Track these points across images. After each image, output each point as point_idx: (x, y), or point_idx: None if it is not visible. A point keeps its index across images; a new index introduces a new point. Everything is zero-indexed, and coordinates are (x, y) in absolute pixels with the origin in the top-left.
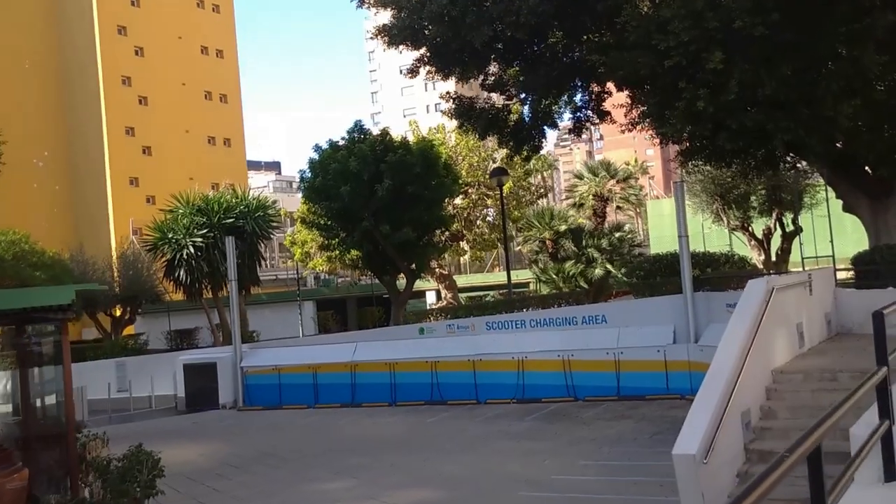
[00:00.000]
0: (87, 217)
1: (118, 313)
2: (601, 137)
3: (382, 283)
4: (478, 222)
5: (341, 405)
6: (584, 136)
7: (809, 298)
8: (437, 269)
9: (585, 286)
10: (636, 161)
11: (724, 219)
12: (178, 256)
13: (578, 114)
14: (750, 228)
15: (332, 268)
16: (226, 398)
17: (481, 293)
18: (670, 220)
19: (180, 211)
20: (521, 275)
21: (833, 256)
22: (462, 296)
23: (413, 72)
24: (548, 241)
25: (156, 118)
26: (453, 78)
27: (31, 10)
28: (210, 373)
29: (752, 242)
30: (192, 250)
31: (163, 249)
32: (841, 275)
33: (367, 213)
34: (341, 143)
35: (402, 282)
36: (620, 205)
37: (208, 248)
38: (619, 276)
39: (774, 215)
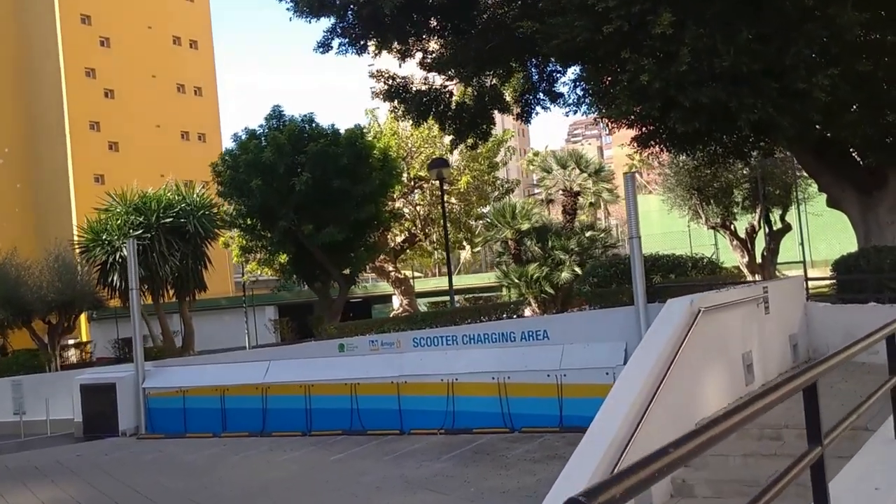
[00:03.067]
0: (50, 217)
1: (55, 321)
2: (610, 133)
3: (313, 290)
4: (439, 220)
5: (249, 434)
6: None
7: (765, 318)
8: (392, 273)
9: (552, 292)
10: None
11: (703, 215)
12: (110, 260)
13: (527, 95)
14: (732, 226)
15: (263, 272)
16: (126, 423)
17: (444, 298)
18: (659, 218)
19: (118, 210)
20: (492, 279)
21: (804, 262)
22: (425, 300)
23: (325, 46)
24: (510, 242)
25: (123, 112)
26: (369, 53)
27: None
28: (109, 395)
29: (735, 242)
30: (125, 252)
31: (95, 252)
32: (820, 284)
33: (285, 211)
34: (259, 131)
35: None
36: (592, 200)
37: (146, 251)
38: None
39: (759, 211)
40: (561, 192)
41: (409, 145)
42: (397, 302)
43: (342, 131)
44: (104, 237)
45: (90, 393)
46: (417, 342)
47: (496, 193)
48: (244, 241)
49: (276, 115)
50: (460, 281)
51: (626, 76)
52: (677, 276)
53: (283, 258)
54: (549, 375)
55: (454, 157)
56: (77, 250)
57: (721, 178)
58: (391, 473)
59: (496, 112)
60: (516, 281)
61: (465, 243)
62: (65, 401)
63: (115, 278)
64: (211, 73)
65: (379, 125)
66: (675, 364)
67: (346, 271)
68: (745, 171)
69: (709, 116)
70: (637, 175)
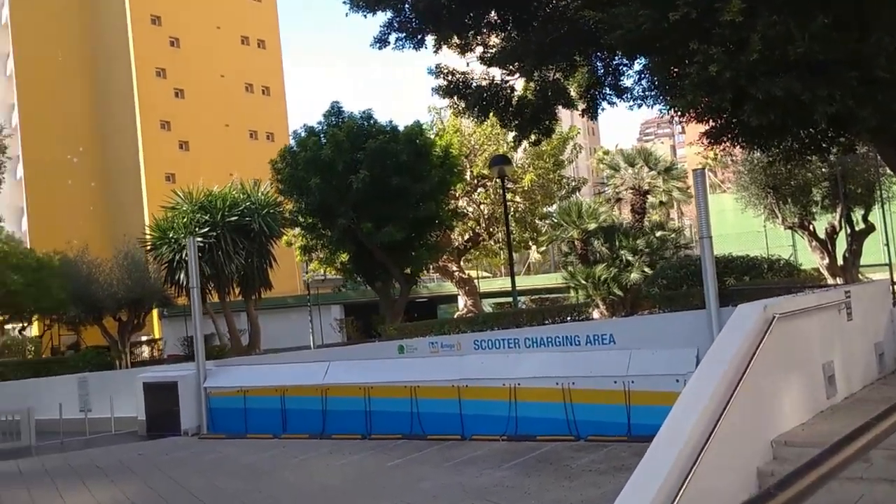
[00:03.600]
0: (123, 214)
1: (126, 318)
2: (683, 131)
3: (374, 290)
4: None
5: (309, 436)
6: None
7: (847, 325)
8: (456, 273)
9: (620, 293)
10: (715, 154)
11: (779, 215)
12: (177, 258)
13: (592, 90)
14: (811, 226)
15: (327, 271)
16: (188, 423)
17: (510, 299)
18: (734, 218)
19: (184, 208)
20: (559, 279)
21: (890, 264)
22: (490, 301)
23: (382, 41)
24: (577, 242)
25: (193, 111)
26: (427, 48)
27: (63, 1)
28: (171, 393)
29: (814, 243)
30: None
31: (162, 250)
32: None
33: (343, 209)
34: (319, 128)
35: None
36: (663, 199)
37: (211, 249)
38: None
39: (839, 211)
40: (629, 190)
41: (472, 143)
42: (462, 302)
43: (401, 128)
44: (171, 235)
45: (153, 391)
46: (478, 345)
47: (562, 192)
48: (305, 240)
49: (335, 111)
50: (526, 281)
51: (694, 67)
52: (752, 278)
53: (344, 257)
54: (615, 382)
55: (518, 155)
56: (147, 248)
57: (798, 176)
58: (450, 481)
59: (560, 108)
60: (583, 282)
61: (530, 243)
62: (130, 399)
63: (181, 276)
64: (278, 72)
65: (442, 122)
66: (746, 376)
67: (407, 271)
68: (824, 169)
69: (783, 109)
70: (710, 173)
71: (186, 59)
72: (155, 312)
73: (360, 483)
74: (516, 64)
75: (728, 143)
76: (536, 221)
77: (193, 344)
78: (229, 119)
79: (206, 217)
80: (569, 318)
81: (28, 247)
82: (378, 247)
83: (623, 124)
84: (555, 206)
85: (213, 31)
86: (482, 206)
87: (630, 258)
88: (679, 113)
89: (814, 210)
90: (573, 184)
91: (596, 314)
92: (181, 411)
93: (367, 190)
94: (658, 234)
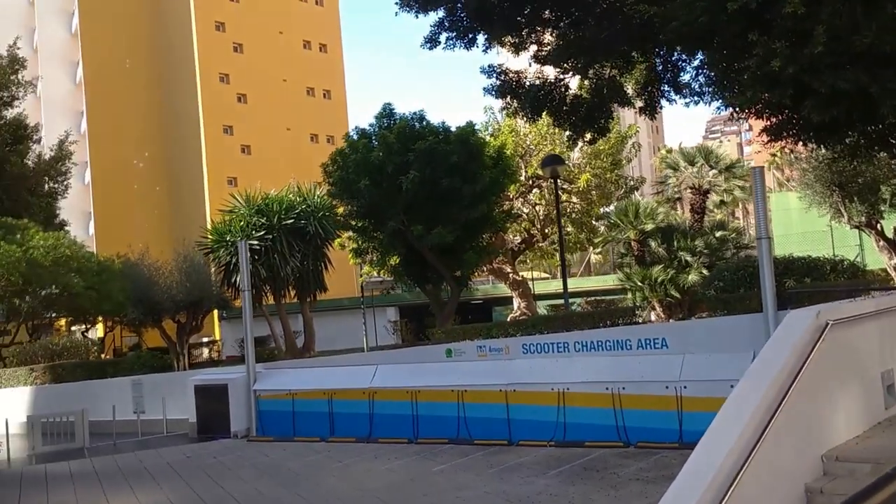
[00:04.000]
0: (187, 218)
1: (184, 320)
2: (750, 128)
3: (425, 293)
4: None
5: (356, 439)
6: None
7: None
8: (510, 275)
9: (677, 295)
10: (781, 153)
11: (845, 214)
12: (233, 260)
13: (650, 87)
14: (878, 225)
15: (381, 274)
16: (238, 425)
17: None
18: (799, 217)
19: (242, 211)
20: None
21: None
22: (545, 303)
23: (432, 41)
24: (633, 243)
25: (255, 116)
26: (478, 47)
27: (131, 9)
28: (221, 396)
29: (881, 243)
30: (248, 254)
31: (219, 253)
32: None
33: (394, 212)
34: (370, 130)
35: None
36: (725, 199)
37: (267, 252)
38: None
39: None
40: (689, 189)
41: (528, 143)
42: (517, 305)
43: (454, 129)
44: (228, 238)
45: (203, 393)
46: (527, 349)
47: (620, 192)
48: (357, 243)
49: (387, 113)
50: (583, 283)
51: (753, 61)
52: (813, 280)
53: (395, 260)
54: (667, 387)
55: (575, 155)
56: (205, 251)
57: (866, 173)
58: (493, 489)
59: (617, 106)
60: (639, 284)
61: (587, 244)
62: (182, 401)
63: (237, 279)
64: (340, 75)
65: (498, 122)
66: (795, 385)
67: (458, 273)
68: (894, 165)
69: (848, 104)
70: (776, 171)
71: (249, 64)
72: (215, 314)
73: (400, 489)
74: (570, 62)
75: (790, 140)
76: (593, 222)
77: (258, 345)
78: (291, 123)
79: (263, 220)
80: (619, 322)
81: (92, 250)
82: (428, 249)
83: (688, 122)
84: (612, 207)
85: (276, 36)
86: (537, 207)
87: (688, 259)
88: (738, 110)
89: (882, 208)
90: (631, 183)
91: (653, 317)
92: (231, 414)
93: (417, 192)
94: (718, 234)
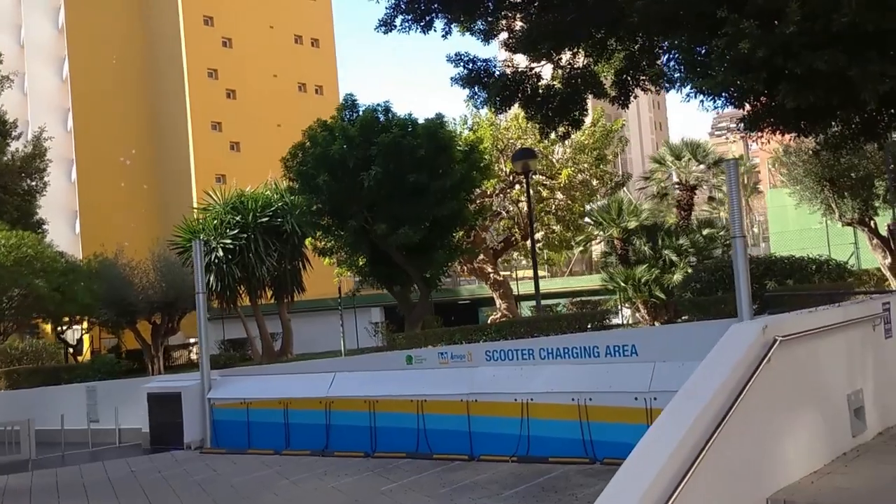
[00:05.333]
0: (173, 217)
1: (159, 321)
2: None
3: (392, 295)
4: (544, 218)
5: (311, 452)
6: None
7: (885, 344)
8: (491, 275)
9: (662, 297)
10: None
11: (836, 210)
12: (206, 260)
13: (625, 75)
14: (872, 223)
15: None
16: (192, 436)
17: (551, 301)
18: (794, 214)
19: (217, 209)
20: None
21: None
22: (529, 304)
23: (387, 24)
24: (616, 241)
25: (245, 111)
26: (436, 31)
27: (118, 4)
28: (175, 404)
29: (875, 241)
30: (220, 253)
31: (191, 252)
32: None
33: (356, 209)
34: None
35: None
36: (714, 195)
37: (242, 251)
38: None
39: None
40: (676, 185)
41: (508, 137)
42: (499, 306)
43: (422, 121)
44: (202, 237)
45: (157, 402)
46: (490, 356)
47: (606, 188)
48: (322, 242)
49: (349, 104)
50: (569, 283)
51: (722, 41)
52: (797, 281)
53: (362, 260)
54: (636, 398)
55: (560, 150)
56: (178, 250)
57: (859, 167)
58: None
59: (592, 97)
60: (622, 284)
61: (573, 243)
62: (138, 409)
63: (211, 279)
64: (332, 71)
65: (481, 116)
66: (732, 414)
67: (428, 274)
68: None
69: (826, 88)
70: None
71: (238, 59)
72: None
73: None
74: (539, 48)
75: (767, 131)
76: (579, 220)
77: (232, 346)
78: (281, 119)
79: (238, 218)
80: (588, 327)
81: (61, 250)
82: (396, 249)
83: (694, 119)
84: (596, 204)
85: (266, 30)
86: (519, 204)
87: (674, 258)
88: (708, 96)
89: (877, 205)
90: (616, 179)
91: (638, 318)
92: (185, 424)
93: (380, 188)
94: (705, 231)
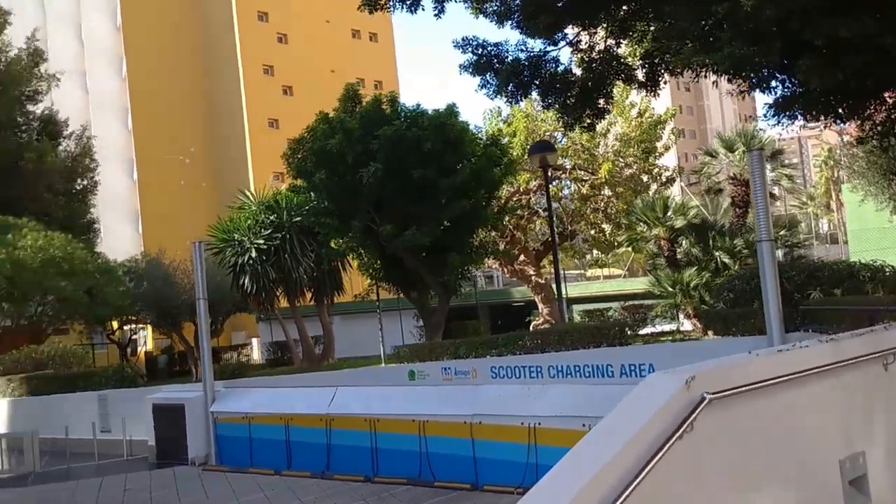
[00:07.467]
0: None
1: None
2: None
3: (410, 301)
4: (590, 216)
5: (311, 474)
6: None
7: None
8: (532, 277)
9: (721, 304)
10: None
11: None
12: (240, 261)
13: (654, 56)
14: None
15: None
16: (196, 451)
17: (603, 305)
18: (875, 214)
19: (252, 209)
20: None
21: None
22: (580, 308)
23: (371, 4)
24: (663, 242)
25: (302, 108)
26: (423, 9)
27: (175, 3)
28: (179, 417)
29: None
30: (254, 254)
31: (225, 253)
32: None
33: (359, 208)
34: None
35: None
36: (772, 190)
37: (277, 251)
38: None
39: None
40: (729, 180)
41: (544, 129)
42: (541, 309)
43: (430, 112)
44: (235, 237)
45: (161, 414)
46: (496, 372)
47: (656, 184)
48: (335, 244)
49: (351, 95)
50: (625, 285)
51: (724, 4)
52: (846, 291)
53: (376, 263)
54: None
55: (610, 142)
56: (213, 251)
57: None
58: None
59: (621, 82)
60: (669, 289)
61: (614, 242)
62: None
63: (246, 281)
64: (391, 66)
65: (520, 106)
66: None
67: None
68: None
69: (856, 62)
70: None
71: (294, 54)
72: (253, 316)
73: None
74: (536, 24)
75: (802, 116)
76: (622, 219)
77: (280, 349)
78: None
79: (272, 217)
80: (614, 342)
81: (101, 251)
82: (407, 251)
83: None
84: (640, 201)
85: (322, 25)
86: (562, 201)
87: (726, 261)
88: (720, 74)
89: None
90: (667, 174)
91: (688, 326)
92: (188, 438)
93: (383, 185)
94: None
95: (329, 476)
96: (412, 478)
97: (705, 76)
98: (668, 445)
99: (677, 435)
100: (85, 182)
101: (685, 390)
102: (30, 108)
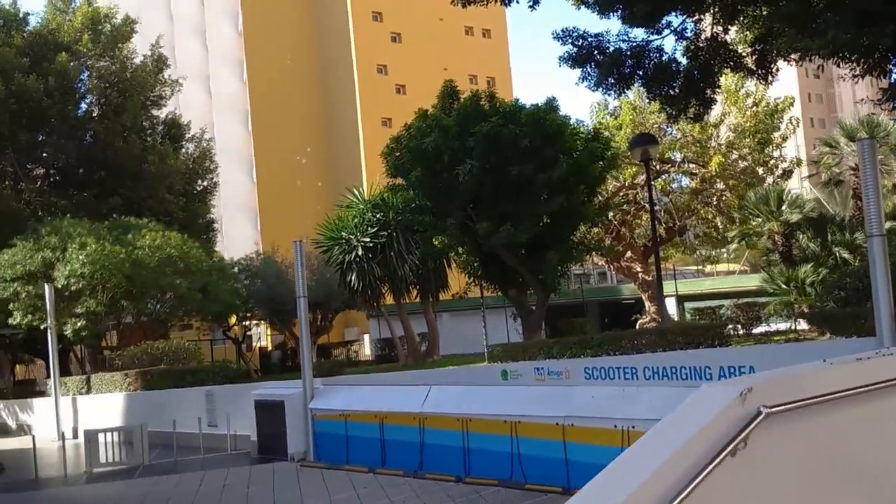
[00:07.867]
0: None
1: (311, 320)
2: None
3: (509, 299)
4: (701, 211)
5: (404, 473)
6: None
7: None
8: (639, 274)
9: (832, 303)
10: None
11: None
12: (347, 259)
13: (765, 42)
14: None
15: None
16: (295, 447)
17: (715, 303)
18: None
19: (360, 207)
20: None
21: None
22: (692, 306)
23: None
24: (777, 237)
25: (414, 106)
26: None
27: (290, 4)
28: (279, 413)
29: None
30: (361, 252)
31: (333, 251)
32: None
33: (455, 206)
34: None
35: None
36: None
37: (384, 249)
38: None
39: None
40: (850, 171)
41: (652, 121)
42: (647, 308)
43: (528, 106)
44: (343, 235)
45: (263, 410)
46: (589, 373)
47: (773, 176)
48: (437, 242)
49: (449, 92)
50: (741, 282)
51: None
52: None
53: (474, 261)
54: None
55: (723, 132)
56: (322, 249)
57: None
58: None
59: (729, 70)
60: (783, 286)
61: (727, 237)
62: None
63: (353, 278)
64: (505, 61)
65: (629, 99)
66: None
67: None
68: None
69: None
70: None
71: (408, 53)
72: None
73: None
74: (633, 12)
75: None
76: (734, 213)
77: (387, 346)
78: None
79: (379, 216)
80: (711, 342)
81: (218, 250)
82: (504, 249)
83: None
84: (752, 195)
85: (436, 22)
86: (670, 195)
87: (846, 256)
88: (825, 58)
89: None
90: (784, 166)
91: (804, 325)
92: (288, 434)
93: (479, 183)
94: (887, 225)
95: (421, 475)
96: (503, 479)
97: (810, 60)
98: (714, 464)
99: (728, 450)
100: (205, 183)
101: (739, 403)
102: (154, 112)
